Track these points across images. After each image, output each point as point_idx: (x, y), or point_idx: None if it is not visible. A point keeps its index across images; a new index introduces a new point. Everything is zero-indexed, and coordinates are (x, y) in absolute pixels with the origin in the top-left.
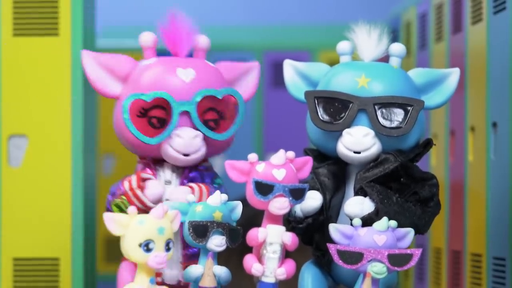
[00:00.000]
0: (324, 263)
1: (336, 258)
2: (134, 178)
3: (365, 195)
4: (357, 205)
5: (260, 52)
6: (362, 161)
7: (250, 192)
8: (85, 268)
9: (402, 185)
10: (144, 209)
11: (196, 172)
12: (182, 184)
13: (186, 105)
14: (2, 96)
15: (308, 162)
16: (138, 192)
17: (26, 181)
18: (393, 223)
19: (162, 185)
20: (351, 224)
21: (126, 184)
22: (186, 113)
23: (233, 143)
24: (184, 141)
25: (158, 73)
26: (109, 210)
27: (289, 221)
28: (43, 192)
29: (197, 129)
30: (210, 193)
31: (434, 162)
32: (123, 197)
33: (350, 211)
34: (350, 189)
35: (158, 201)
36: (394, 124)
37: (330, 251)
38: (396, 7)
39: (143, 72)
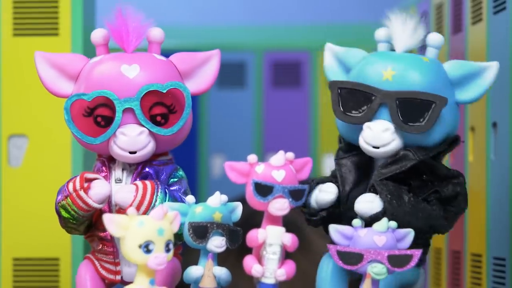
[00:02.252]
0: None
1: (336, 259)
2: (77, 179)
3: (376, 193)
4: (367, 203)
5: (260, 52)
6: (381, 156)
7: (250, 193)
8: None
9: (424, 182)
10: (89, 210)
11: (151, 168)
12: (134, 181)
13: (130, 101)
14: (2, 96)
15: (307, 163)
16: (82, 193)
17: (26, 181)
18: (393, 224)
19: (108, 185)
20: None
21: (70, 185)
22: (131, 110)
23: (186, 136)
24: (128, 138)
25: (103, 70)
26: (57, 211)
27: (304, 212)
28: (43, 192)
29: (142, 126)
30: (155, 191)
31: None
32: (68, 199)
33: (360, 208)
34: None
35: (104, 201)
36: (415, 120)
37: (330, 252)
38: (396, 7)
39: (90, 70)
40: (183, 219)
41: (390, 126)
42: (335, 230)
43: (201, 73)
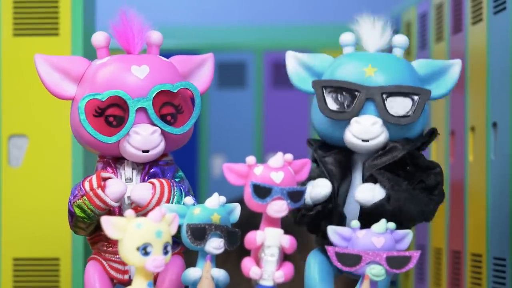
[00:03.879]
0: None
1: (334, 260)
2: (94, 178)
3: (374, 182)
4: (368, 191)
5: (260, 52)
6: (370, 149)
7: (248, 195)
8: (85, 268)
9: (408, 174)
10: (106, 208)
11: (157, 168)
12: (143, 181)
13: (142, 101)
14: (2, 96)
15: (306, 164)
16: (99, 191)
17: (26, 181)
18: (392, 225)
19: (123, 183)
20: (360, 210)
21: (86, 185)
22: (143, 109)
23: (191, 136)
24: (142, 137)
25: (113, 71)
26: (70, 211)
27: (299, 209)
28: (43, 192)
29: (154, 125)
30: (171, 188)
31: None
32: (85, 198)
33: (361, 197)
34: (356, 177)
35: (120, 199)
36: (402, 113)
37: (329, 254)
38: (396, 7)
39: (97, 71)
40: (181, 221)
41: (378, 119)
42: (333, 231)
43: (198, 76)
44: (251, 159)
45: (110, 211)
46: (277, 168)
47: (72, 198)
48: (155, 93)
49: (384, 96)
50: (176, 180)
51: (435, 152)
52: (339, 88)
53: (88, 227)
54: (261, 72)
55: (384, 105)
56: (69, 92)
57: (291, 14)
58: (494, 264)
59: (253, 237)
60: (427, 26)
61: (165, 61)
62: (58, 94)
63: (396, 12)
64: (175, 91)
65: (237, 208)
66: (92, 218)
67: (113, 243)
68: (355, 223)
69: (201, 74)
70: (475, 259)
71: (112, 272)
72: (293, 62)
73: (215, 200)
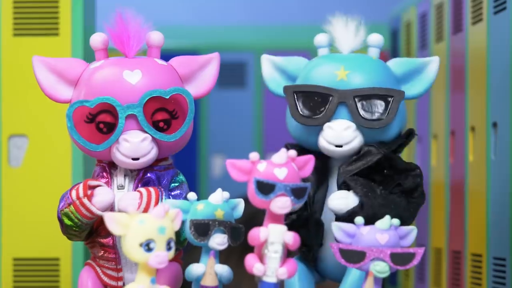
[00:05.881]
0: (310, 258)
1: (338, 256)
2: (81, 187)
3: (348, 189)
4: (341, 199)
5: (260, 52)
6: (344, 154)
7: (252, 192)
8: None
9: (386, 177)
10: (93, 217)
11: (152, 174)
12: (136, 187)
13: (133, 108)
14: (2, 96)
15: (310, 160)
16: (85, 201)
17: (26, 181)
18: (396, 221)
19: (111, 192)
20: (335, 218)
21: (73, 193)
22: (133, 116)
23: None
24: (132, 145)
25: (105, 76)
26: (59, 219)
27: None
28: (43, 192)
29: (145, 132)
30: (159, 197)
31: (434, 162)
32: (72, 206)
33: (334, 205)
34: (333, 183)
35: (107, 208)
36: (375, 116)
37: (332, 250)
38: (396, 7)
39: (91, 75)
40: (185, 217)
41: (351, 124)
42: (337, 227)
43: (201, 77)
44: (254, 155)
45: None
46: (281, 165)
47: (60, 206)
48: (147, 99)
49: (357, 99)
50: (175, 185)
51: (435, 152)
52: (310, 92)
53: (80, 233)
54: (261, 72)
55: (357, 108)
56: (65, 95)
57: (291, 14)
58: (494, 264)
59: (257, 234)
60: (427, 26)
61: (161, 65)
62: (54, 97)
63: (396, 12)
64: (167, 97)
65: (240, 203)
66: (80, 227)
67: (107, 250)
68: (359, 219)
69: (204, 75)
70: (475, 259)
71: (106, 279)
72: (268, 66)
73: (218, 196)
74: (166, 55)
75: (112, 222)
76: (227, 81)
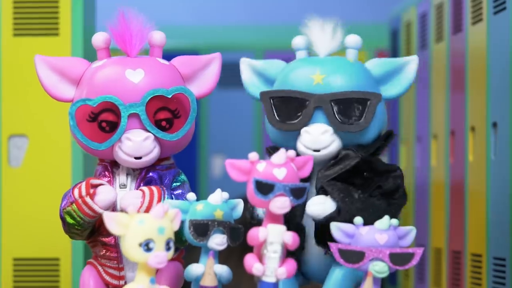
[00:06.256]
0: None
1: (337, 257)
2: (83, 185)
3: (326, 194)
4: (319, 205)
5: (260, 52)
6: (322, 159)
7: (251, 192)
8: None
9: (366, 180)
10: (95, 216)
11: (154, 173)
12: (138, 186)
13: (135, 107)
14: (2, 96)
15: (309, 161)
16: (88, 199)
17: (26, 181)
18: (395, 221)
19: (114, 190)
20: (315, 223)
21: (76, 192)
22: (136, 115)
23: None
24: (134, 144)
25: (107, 75)
26: (61, 217)
27: (252, 224)
28: (43, 192)
29: (148, 131)
30: (162, 197)
31: (434, 162)
32: (74, 205)
33: (312, 211)
34: (313, 187)
35: (109, 207)
36: (352, 119)
37: (332, 250)
38: (396, 7)
39: (93, 74)
40: (184, 217)
41: (328, 128)
42: (336, 228)
43: (203, 77)
44: (253, 155)
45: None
46: (280, 165)
47: (62, 204)
48: (149, 98)
49: (333, 103)
50: (177, 184)
51: (435, 152)
52: (286, 98)
53: (82, 232)
54: None
55: (334, 112)
56: (67, 94)
57: (291, 14)
58: (494, 264)
59: (256, 234)
60: (427, 26)
61: (163, 64)
62: (56, 96)
63: (396, 12)
64: (170, 96)
65: (240, 203)
66: (83, 225)
67: (109, 249)
68: (358, 219)
69: (206, 75)
70: (475, 259)
71: (107, 278)
72: (247, 70)
73: (218, 196)
74: (166, 55)
75: (111, 222)
76: (227, 81)
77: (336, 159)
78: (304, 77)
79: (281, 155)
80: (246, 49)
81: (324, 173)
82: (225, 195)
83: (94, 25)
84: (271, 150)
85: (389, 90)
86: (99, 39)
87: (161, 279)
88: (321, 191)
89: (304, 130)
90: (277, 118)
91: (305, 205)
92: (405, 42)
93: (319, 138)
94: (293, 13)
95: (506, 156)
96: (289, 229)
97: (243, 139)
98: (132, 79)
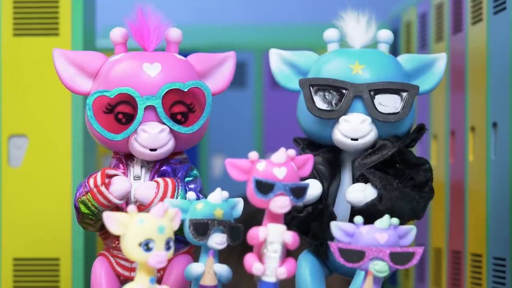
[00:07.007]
0: (321, 252)
1: (337, 256)
2: (99, 175)
3: (365, 182)
4: (359, 192)
5: (260, 52)
6: (359, 148)
7: (251, 191)
8: (85, 268)
9: (398, 171)
10: (110, 206)
11: (168, 166)
12: (152, 178)
13: (152, 99)
14: (2, 96)
15: (309, 160)
16: (103, 189)
17: (26, 181)
18: (395, 220)
19: (128, 181)
20: (351, 210)
21: (91, 181)
22: (152, 107)
23: (204, 135)
24: (150, 136)
25: (125, 68)
26: (76, 207)
27: (289, 211)
28: (43, 192)
29: (163, 123)
30: (176, 188)
31: (434, 162)
32: (89, 194)
33: (353, 198)
34: (346, 176)
35: (124, 197)
36: (391, 109)
37: (332, 249)
38: (396, 7)
39: (110, 68)
40: (184, 216)
41: (367, 117)
42: (336, 227)
43: (217, 74)
44: (253, 155)
45: (118, 208)
46: (280, 164)
47: (77, 194)
48: (165, 92)
49: (372, 93)
50: (190, 179)
51: (435, 152)
52: (326, 86)
53: (96, 223)
54: (261, 72)
55: (373, 102)
56: (84, 87)
57: (291, 14)
58: (494, 264)
59: (256, 233)
60: (427, 26)
61: (180, 59)
62: (73, 89)
63: (396, 12)
64: (186, 90)
65: (240, 202)
66: (97, 215)
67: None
68: (359, 219)
69: (220, 73)
70: (475, 259)
71: (119, 269)
72: (277, 60)
73: (217, 195)
74: None
75: (111, 221)
76: None
77: (373, 148)
78: (343, 67)
79: (281, 154)
80: (246, 49)
81: (362, 161)
82: (225, 194)
83: (94, 25)
84: (300, 141)
85: (421, 86)
86: (117, 34)
87: (172, 272)
88: (361, 179)
89: (343, 119)
90: (317, 105)
91: (336, 195)
92: (405, 42)
93: (358, 127)
94: (293, 12)
95: (506, 156)
96: (321, 218)
97: (243, 139)
98: (149, 72)
